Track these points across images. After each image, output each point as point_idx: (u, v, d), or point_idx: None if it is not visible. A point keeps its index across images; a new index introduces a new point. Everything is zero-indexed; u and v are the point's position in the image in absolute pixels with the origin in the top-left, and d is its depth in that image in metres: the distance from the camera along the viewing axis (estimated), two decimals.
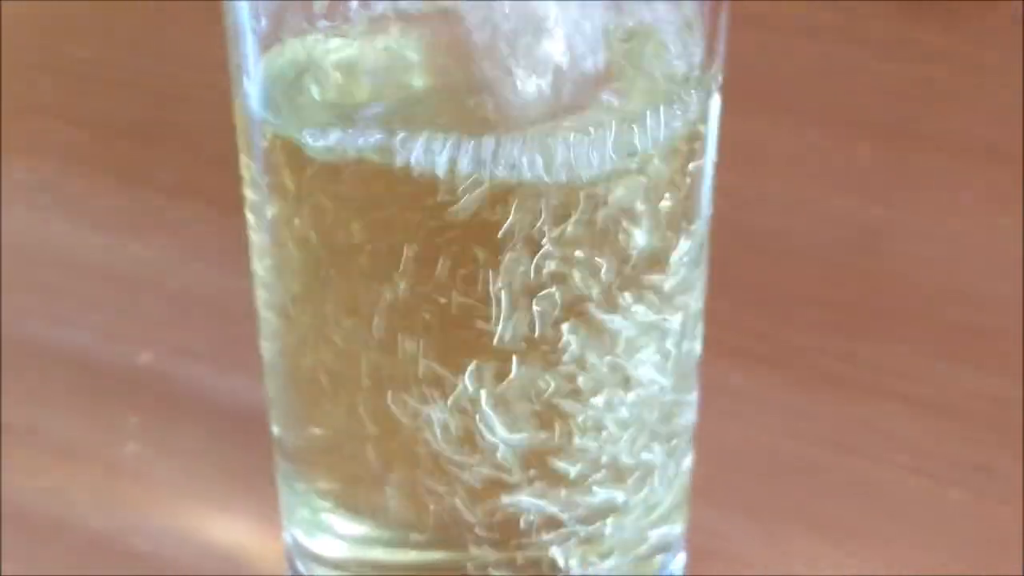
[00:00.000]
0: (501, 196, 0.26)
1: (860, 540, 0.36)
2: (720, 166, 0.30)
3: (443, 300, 0.27)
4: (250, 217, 0.30)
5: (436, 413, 0.28)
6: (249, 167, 0.29)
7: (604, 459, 0.29)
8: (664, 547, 0.32)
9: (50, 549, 0.36)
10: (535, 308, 0.27)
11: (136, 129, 0.51)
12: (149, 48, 0.55)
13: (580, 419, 0.29)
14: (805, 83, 0.54)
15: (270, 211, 0.29)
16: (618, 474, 0.30)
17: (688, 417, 0.31)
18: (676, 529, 0.33)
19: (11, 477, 0.37)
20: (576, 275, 0.27)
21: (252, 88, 0.28)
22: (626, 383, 0.29)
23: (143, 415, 0.39)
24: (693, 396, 0.31)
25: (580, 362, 0.28)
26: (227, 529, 0.36)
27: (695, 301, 0.30)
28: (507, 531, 0.30)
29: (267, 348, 0.31)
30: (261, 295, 0.30)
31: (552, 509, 0.30)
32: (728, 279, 0.30)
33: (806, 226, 0.47)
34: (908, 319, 0.43)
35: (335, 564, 0.32)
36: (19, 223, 0.47)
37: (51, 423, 0.39)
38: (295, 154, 0.27)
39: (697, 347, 0.31)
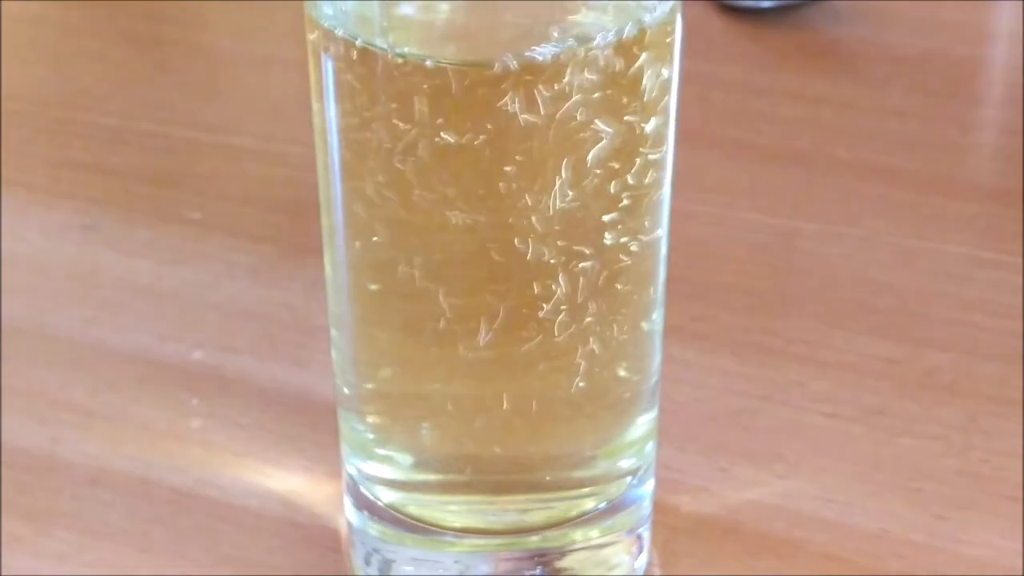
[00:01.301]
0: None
1: (787, 466, 0.40)
2: None
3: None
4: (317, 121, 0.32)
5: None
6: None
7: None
8: (632, 471, 0.34)
9: (137, 500, 0.40)
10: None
11: (158, 178, 0.54)
12: (162, 113, 0.58)
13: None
14: (726, 124, 0.57)
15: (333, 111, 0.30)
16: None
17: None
18: (645, 455, 0.35)
19: (99, 450, 0.41)
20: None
21: None
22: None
23: (202, 397, 0.43)
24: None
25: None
26: (282, 480, 0.40)
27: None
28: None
29: (331, 293, 0.33)
30: (325, 221, 0.32)
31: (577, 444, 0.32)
32: (670, 276, 0.33)
33: (731, 234, 0.50)
34: (814, 301, 0.46)
35: (394, 484, 0.35)
36: (74, 255, 0.50)
37: (128, 407, 0.43)
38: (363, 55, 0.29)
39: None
